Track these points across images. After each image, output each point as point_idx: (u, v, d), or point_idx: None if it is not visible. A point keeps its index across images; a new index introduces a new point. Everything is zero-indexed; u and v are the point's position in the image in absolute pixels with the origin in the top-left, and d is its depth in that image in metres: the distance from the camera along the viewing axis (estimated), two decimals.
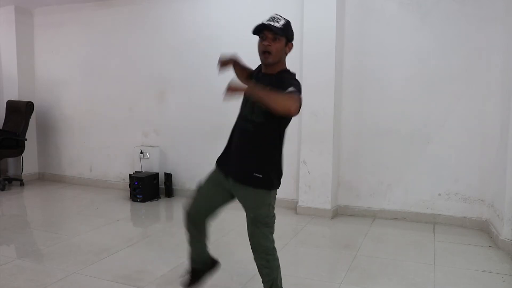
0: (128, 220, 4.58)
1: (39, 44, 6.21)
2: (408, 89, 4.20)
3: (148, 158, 5.31)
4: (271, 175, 2.18)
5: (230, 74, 4.65)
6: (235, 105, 5.43)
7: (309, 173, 4.42)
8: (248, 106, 2.15)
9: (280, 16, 2.17)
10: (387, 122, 4.29)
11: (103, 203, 4.99)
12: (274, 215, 2.28)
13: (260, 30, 2.13)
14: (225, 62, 2.40)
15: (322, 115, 4.31)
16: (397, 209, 4.30)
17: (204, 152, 5.13)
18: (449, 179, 4.09)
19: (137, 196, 5.00)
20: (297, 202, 4.55)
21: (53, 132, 6.24)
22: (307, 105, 4.37)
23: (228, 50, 4.90)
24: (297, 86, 2.08)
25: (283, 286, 2.38)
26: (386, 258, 3.28)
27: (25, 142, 5.77)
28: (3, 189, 5.51)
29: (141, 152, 5.33)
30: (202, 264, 2.52)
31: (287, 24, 2.17)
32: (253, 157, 2.16)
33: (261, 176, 2.14)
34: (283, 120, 2.13)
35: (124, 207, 4.88)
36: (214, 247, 3.53)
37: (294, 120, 4.95)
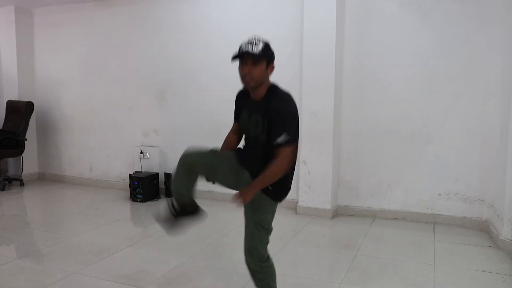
0: (128, 220, 4.58)
1: (39, 44, 6.21)
2: (408, 89, 4.20)
3: (148, 158, 5.31)
4: (279, 189, 2.24)
5: (230, 77, 4.63)
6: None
7: (309, 173, 4.42)
8: (251, 139, 2.20)
9: (258, 39, 2.13)
10: (387, 122, 4.29)
11: (103, 203, 4.99)
12: (272, 229, 2.31)
13: (239, 55, 2.09)
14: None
15: (322, 115, 4.31)
16: (397, 209, 4.30)
17: None
18: (449, 179, 4.09)
19: (137, 196, 5.01)
20: (297, 202, 4.55)
21: (53, 132, 6.24)
22: (307, 105, 4.39)
23: (228, 50, 4.92)
24: (284, 119, 2.04)
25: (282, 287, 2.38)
26: (386, 258, 3.28)
27: (25, 142, 5.77)
28: (3, 189, 5.51)
29: (141, 152, 5.34)
30: (182, 196, 2.22)
31: (266, 46, 2.13)
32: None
33: (271, 188, 2.16)
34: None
35: (124, 207, 4.88)
36: (214, 247, 3.55)
37: None
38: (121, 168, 5.69)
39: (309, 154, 4.40)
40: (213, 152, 2.24)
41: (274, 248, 3.45)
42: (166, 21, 5.25)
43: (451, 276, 2.95)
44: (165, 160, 5.37)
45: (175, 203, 2.23)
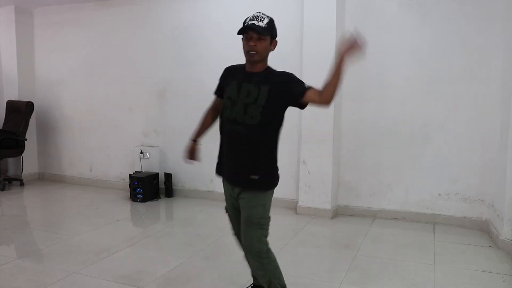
0: (128, 220, 4.58)
1: (39, 44, 6.21)
2: (408, 89, 4.20)
3: (148, 158, 5.31)
4: (268, 175, 2.22)
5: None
6: None
7: (309, 173, 4.42)
8: (238, 109, 2.15)
9: (263, 14, 2.19)
10: (387, 122, 4.29)
11: (103, 203, 5.00)
12: (268, 217, 2.25)
13: (245, 30, 2.14)
14: (191, 153, 2.48)
15: (322, 115, 4.30)
16: (397, 209, 4.30)
17: (204, 152, 5.11)
18: (449, 179, 4.09)
19: (137, 196, 5.01)
20: (297, 202, 4.55)
21: (53, 132, 6.24)
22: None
23: (228, 50, 4.92)
24: (296, 80, 2.20)
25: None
26: (386, 258, 3.28)
27: (25, 142, 5.77)
28: (3, 189, 5.51)
29: (141, 152, 5.34)
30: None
31: (271, 22, 2.19)
32: (249, 159, 2.18)
33: (257, 177, 2.16)
34: (282, 119, 2.19)
35: (124, 207, 4.88)
36: (214, 247, 3.55)
37: (294, 120, 4.99)
38: (121, 168, 5.70)
39: (309, 154, 4.40)
40: (226, 210, 2.41)
41: (274, 248, 3.44)
42: (166, 21, 5.25)
43: (451, 276, 2.95)
44: (165, 160, 5.37)
45: None
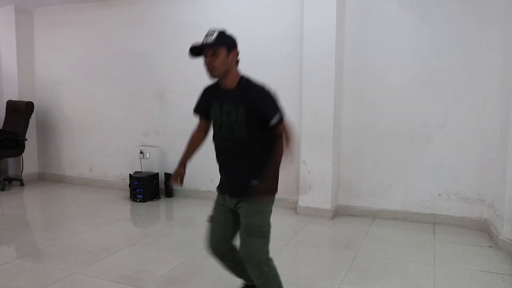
0: (128, 220, 4.58)
1: (39, 44, 6.21)
2: (408, 89, 4.20)
3: (148, 158, 5.31)
4: (266, 182, 2.16)
5: None
6: None
7: (309, 173, 4.42)
8: (225, 129, 2.16)
9: (214, 29, 2.13)
10: (387, 122, 4.29)
11: (103, 203, 5.00)
12: (269, 225, 2.21)
13: (198, 51, 2.11)
14: (180, 178, 2.41)
15: (322, 115, 4.31)
16: (397, 209, 4.30)
17: (204, 152, 5.10)
18: (449, 179, 4.09)
19: (137, 196, 5.01)
20: (297, 202, 4.55)
21: (53, 132, 6.24)
22: (307, 105, 4.39)
23: None
24: (269, 101, 2.09)
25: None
26: (386, 258, 3.28)
27: (25, 142, 5.77)
28: (3, 189, 5.51)
29: (141, 152, 5.34)
30: (250, 280, 2.41)
31: (221, 34, 2.11)
32: (246, 169, 2.18)
33: (257, 182, 2.13)
34: (264, 131, 2.12)
35: (124, 207, 4.88)
36: None
37: (294, 120, 4.96)
38: (121, 168, 5.70)
39: (309, 154, 4.40)
40: (208, 220, 2.37)
41: (274, 248, 3.45)
42: (166, 21, 5.25)
43: (451, 276, 2.95)
44: (165, 160, 5.37)
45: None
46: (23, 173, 5.98)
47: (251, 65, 4.78)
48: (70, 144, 6.14)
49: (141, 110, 5.54)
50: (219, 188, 2.32)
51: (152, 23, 5.35)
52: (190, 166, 5.32)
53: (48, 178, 6.30)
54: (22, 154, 5.84)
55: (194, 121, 5.42)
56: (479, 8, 3.86)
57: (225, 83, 2.17)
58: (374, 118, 4.34)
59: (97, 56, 5.78)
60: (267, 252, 2.19)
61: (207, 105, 2.30)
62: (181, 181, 2.40)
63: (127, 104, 5.62)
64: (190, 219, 4.46)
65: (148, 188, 5.04)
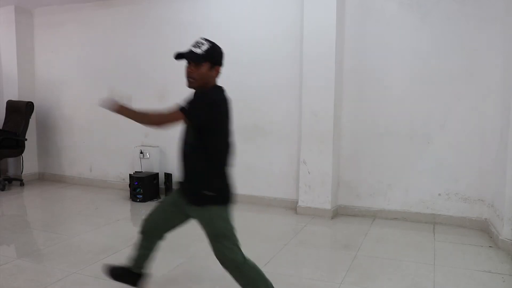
0: (128, 220, 4.58)
1: (39, 44, 6.21)
2: (408, 89, 4.20)
3: (148, 158, 5.31)
4: (216, 190, 2.16)
5: (230, 76, 4.63)
6: (235, 106, 5.42)
7: (309, 173, 4.42)
8: (185, 131, 2.19)
9: (205, 40, 2.18)
10: (387, 122, 4.29)
11: (103, 203, 5.00)
12: (232, 227, 2.21)
13: (180, 57, 2.14)
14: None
15: (322, 115, 4.31)
16: (397, 209, 4.30)
17: None
18: (449, 179, 4.09)
19: (137, 196, 5.00)
20: (297, 202, 4.55)
21: (53, 132, 6.24)
22: (307, 105, 4.39)
23: (229, 50, 4.92)
24: (199, 103, 2.12)
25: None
26: (386, 258, 3.28)
27: (25, 142, 5.77)
28: (3, 189, 5.51)
29: (141, 152, 5.34)
30: (136, 267, 2.51)
31: (210, 49, 2.16)
32: (196, 177, 2.18)
33: (206, 192, 2.14)
34: (214, 137, 2.14)
35: (124, 207, 4.88)
36: None
37: (294, 120, 4.97)
38: (121, 168, 5.69)
39: (309, 154, 4.40)
40: (159, 201, 2.46)
41: (274, 248, 3.47)
42: (166, 21, 5.25)
43: (451, 276, 2.95)
44: (165, 160, 5.37)
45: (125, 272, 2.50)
46: (23, 173, 5.98)
47: (251, 65, 4.84)
48: (70, 144, 6.14)
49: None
50: (179, 187, 2.33)
51: (152, 23, 5.35)
52: None
53: (48, 178, 6.30)
54: (22, 154, 5.84)
55: None
56: (479, 8, 3.86)
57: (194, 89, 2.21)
58: (374, 118, 4.34)
59: (97, 56, 5.78)
60: (239, 251, 2.20)
61: None
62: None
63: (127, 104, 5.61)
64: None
65: (148, 188, 5.04)
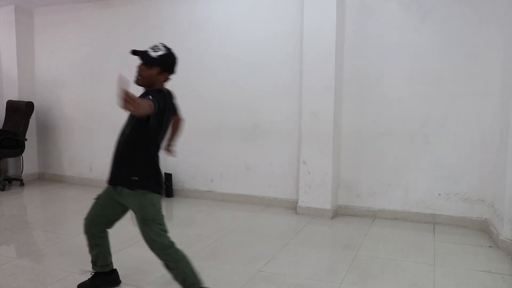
0: (128, 219, 4.55)
1: (39, 44, 6.21)
2: (408, 89, 4.20)
3: None
4: (148, 178, 2.35)
5: (230, 76, 4.63)
6: (235, 106, 5.41)
7: (309, 173, 4.42)
8: (125, 125, 2.41)
9: (163, 46, 2.34)
10: (387, 122, 4.29)
11: None
12: (162, 215, 2.39)
13: (135, 54, 2.32)
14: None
15: (322, 115, 4.31)
16: (397, 209, 4.30)
17: (204, 152, 5.14)
18: (449, 179, 4.09)
19: None
20: (297, 202, 4.55)
21: (53, 132, 6.24)
22: (307, 105, 4.39)
23: (229, 50, 4.92)
24: (155, 96, 2.27)
25: (199, 282, 2.43)
26: (386, 258, 3.28)
27: (25, 142, 5.77)
28: (3, 189, 5.51)
29: None
30: (101, 267, 2.66)
31: (164, 55, 2.32)
32: (127, 163, 2.40)
33: (137, 178, 2.33)
34: (147, 128, 2.30)
35: None
36: (214, 247, 3.55)
37: (294, 120, 4.96)
38: None
39: (309, 154, 4.40)
40: (95, 198, 2.60)
41: (274, 248, 3.47)
42: (166, 21, 5.25)
43: (451, 276, 2.95)
44: (165, 160, 5.34)
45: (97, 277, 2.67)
46: (23, 173, 5.98)
47: (251, 65, 4.84)
48: (70, 144, 6.14)
49: None
50: (108, 179, 2.51)
51: (152, 23, 5.35)
52: (189, 166, 5.36)
53: (48, 178, 6.30)
54: (22, 154, 5.84)
55: (193, 120, 5.41)
56: (479, 8, 3.86)
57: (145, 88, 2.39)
58: (374, 118, 4.34)
59: (97, 56, 5.78)
60: (167, 235, 2.37)
61: None
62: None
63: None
64: (190, 219, 4.45)
65: None
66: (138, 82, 2.34)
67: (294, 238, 3.78)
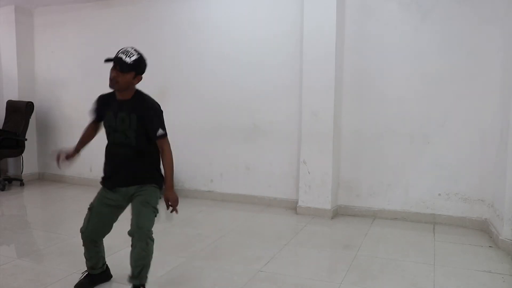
0: (128, 220, 4.56)
1: (39, 44, 6.21)
2: (408, 89, 4.20)
3: None
4: (156, 177, 2.58)
5: (230, 76, 4.62)
6: (235, 106, 5.40)
7: (309, 173, 4.42)
8: (119, 135, 2.49)
9: (134, 51, 2.42)
10: (387, 122, 4.29)
11: None
12: (158, 210, 2.55)
13: (112, 61, 2.39)
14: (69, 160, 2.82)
15: (322, 115, 4.31)
16: (397, 209, 4.30)
17: (204, 152, 5.14)
18: (449, 179, 4.09)
19: None
20: (297, 202, 4.55)
21: (53, 132, 6.24)
22: (307, 105, 4.39)
23: (229, 50, 4.92)
24: (159, 116, 2.52)
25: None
26: (386, 258, 3.28)
27: (25, 142, 5.77)
28: (3, 189, 5.51)
29: None
30: (100, 269, 2.75)
31: (138, 60, 2.41)
32: (142, 169, 2.54)
33: (153, 178, 2.56)
34: (151, 140, 2.51)
35: None
36: (214, 247, 3.55)
37: (294, 120, 4.96)
38: None
39: (309, 154, 4.40)
40: (90, 210, 2.69)
41: (274, 248, 3.47)
42: (166, 21, 5.25)
43: (451, 276, 2.95)
44: None
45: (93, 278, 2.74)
46: (23, 173, 5.98)
47: (251, 65, 4.84)
48: (70, 144, 6.09)
49: None
50: (109, 184, 2.58)
51: (152, 23, 5.35)
52: (189, 166, 5.37)
53: (48, 178, 6.30)
54: (22, 154, 5.84)
55: (193, 120, 5.40)
56: (479, 8, 3.86)
57: (121, 95, 2.48)
58: (374, 117, 4.34)
59: (97, 56, 5.73)
60: (152, 226, 2.50)
61: (102, 111, 2.63)
62: (70, 163, 2.82)
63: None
64: (190, 219, 4.45)
65: None
66: (115, 87, 2.43)
67: (294, 238, 3.78)
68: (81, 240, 2.62)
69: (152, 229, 2.50)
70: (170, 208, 2.53)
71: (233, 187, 5.00)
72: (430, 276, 2.94)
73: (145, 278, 2.48)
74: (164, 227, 4.27)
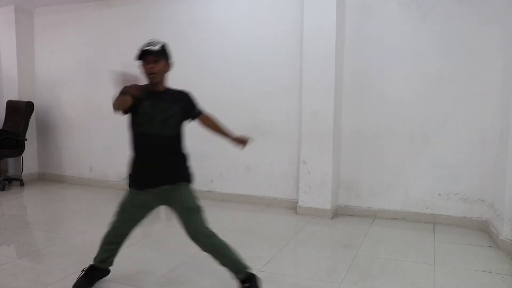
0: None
1: (39, 44, 6.21)
2: (408, 89, 4.20)
3: None
4: (190, 171, 2.61)
5: (230, 75, 4.61)
6: (235, 106, 5.41)
7: (309, 173, 4.42)
8: (156, 125, 2.43)
9: (156, 40, 2.51)
10: (387, 122, 4.29)
11: (103, 203, 4.99)
12: (201, 207, 2.54)
13: (142, 55, 2.41)
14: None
15: (322, 115, 4.31)
16: (397, 209, 4.30)
17: (204, 152, 5.13)
18: (449, 179, 4.09)
19: None
20: (297, 202, 4.55)
21: (53, 132, 6.24)
22: (307, 105, 4.39)
23: (229, 50, 4.92)
24: (195, 100, 2.71)
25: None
26: (386, 258, 3.28)
27: (25, 142, 5.77)
28: (3, 189, 5.51)
29: None
30: (110, 263, 2.75)
31: (164, 46, 2.51)
32: (178, 162, 2.56)
33: (189, 172, 2.58)
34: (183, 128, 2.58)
35: None
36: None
37: (294, 120, 4.97)
38: (121, 168, 5.68)
39: (309, 154, 4.40)
40: (120, 210, 2.64)
41: (274, 248, 3.47)
42: (166, 21, 5.25)
43: (451, 276, 2.95)
44: None
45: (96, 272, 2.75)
46: (23, 173, 5.98)
47: (251, 65, 4.84)
48: (70, 144, 6.14)
49: None
50: (142, 184, 2.53)
51: (152, 23, 5.35)
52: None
53: (48, 178, 6.30)
54: (22, 154, 5.84)
55: (193, 121, 5.30)
56: (479, 8, 3.86)
57: (155, 88, 2.47)
58: (374, 117, 4.34)
59: (97, 56, 5.78)
60: (207, 226, 2.50)
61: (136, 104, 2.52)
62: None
63: None
64: None
65: None
66: (155, 79, 2.43)
67: (294, 238, 3.78)
68: (102, 236, 2.66)
69: (207, 226, 2.51)
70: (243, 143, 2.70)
71: (233, 187, 5.00)
72: (430, 276, 2.94)
73: (245, 267, 2.51)
74: (164, 227, 4.28)
